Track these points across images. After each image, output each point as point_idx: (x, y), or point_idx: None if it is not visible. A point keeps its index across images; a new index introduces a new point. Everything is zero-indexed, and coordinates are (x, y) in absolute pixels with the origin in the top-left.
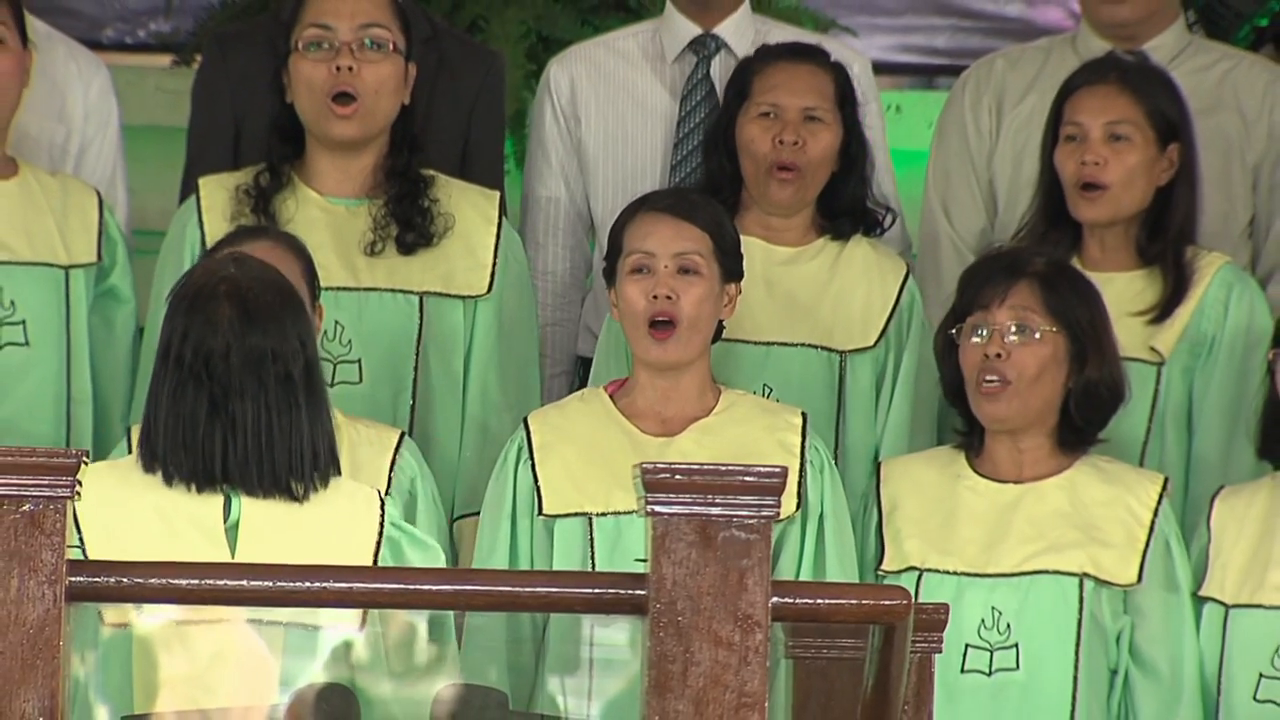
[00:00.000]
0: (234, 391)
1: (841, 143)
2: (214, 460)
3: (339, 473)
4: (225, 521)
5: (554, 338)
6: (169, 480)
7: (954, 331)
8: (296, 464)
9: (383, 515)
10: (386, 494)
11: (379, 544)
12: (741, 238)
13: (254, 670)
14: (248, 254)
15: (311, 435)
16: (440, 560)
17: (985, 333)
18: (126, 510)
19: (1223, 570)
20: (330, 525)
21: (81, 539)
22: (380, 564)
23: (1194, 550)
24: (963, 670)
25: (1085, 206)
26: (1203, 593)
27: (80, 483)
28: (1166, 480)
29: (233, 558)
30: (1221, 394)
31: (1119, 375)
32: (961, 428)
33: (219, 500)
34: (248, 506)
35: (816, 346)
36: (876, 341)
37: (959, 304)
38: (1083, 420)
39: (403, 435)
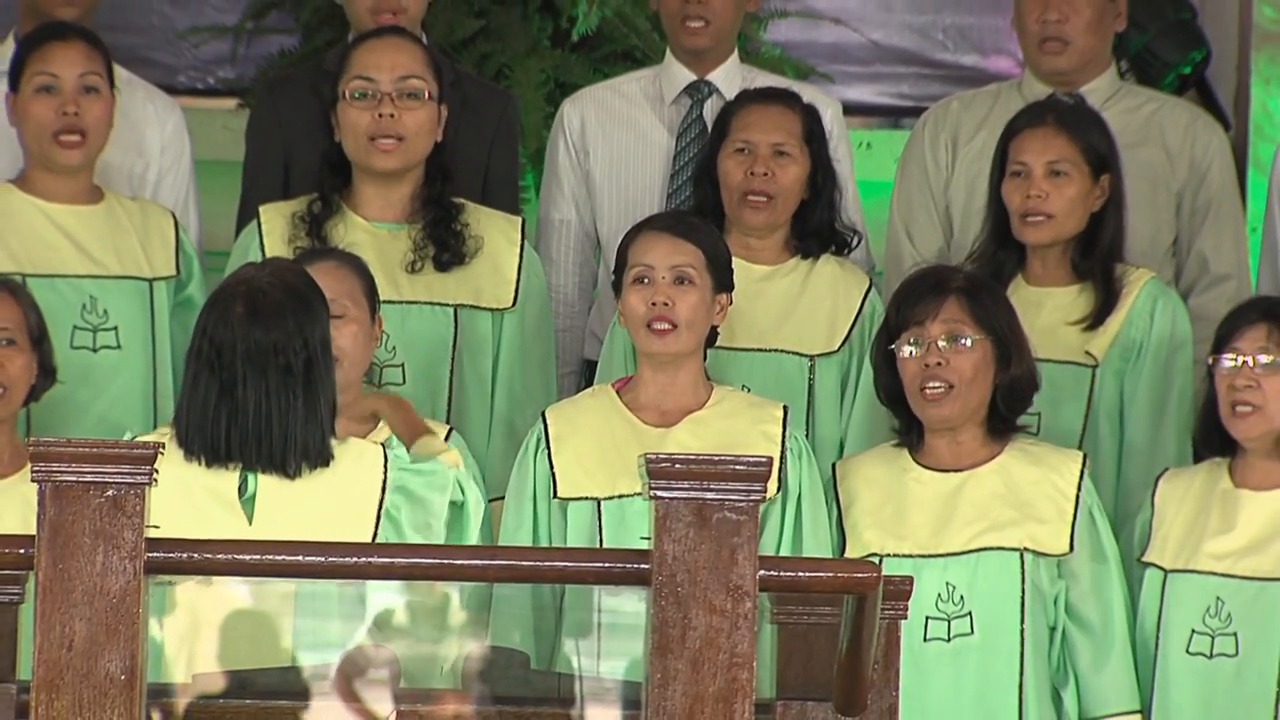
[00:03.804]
0: (239, 379)
1: (810, 174)
2: (220, 439)
3: (328, 460)
4: (242, 495)
5: (564, 343)
6: (188, 456)
7: (893, 347)
8: (291, 445)
9: (386, 470)
10: None
11: (382, 498)
12: None
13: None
14: (280, 259)
15: (305, 421)
16: (448, 480)
17: (919, 344)
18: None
19: (1163, 540)
20: (338, 491)
21: None
22: (387, 512)
23: (1138, 522)
24: (925, 639)
25: (1030, 231)
26: (1145, 559)
27: (157, 470)
28: (1085, 456)
29: (250, 526)
30: (1149, 392)
31: (1034, 368)
32: (900, 427)
33: (235, 475)
34: (264, 480)
35: (789, 352)
36: (840, 346)
37: (894, 321)
38: (1008, 410)
39: (450, 430)
